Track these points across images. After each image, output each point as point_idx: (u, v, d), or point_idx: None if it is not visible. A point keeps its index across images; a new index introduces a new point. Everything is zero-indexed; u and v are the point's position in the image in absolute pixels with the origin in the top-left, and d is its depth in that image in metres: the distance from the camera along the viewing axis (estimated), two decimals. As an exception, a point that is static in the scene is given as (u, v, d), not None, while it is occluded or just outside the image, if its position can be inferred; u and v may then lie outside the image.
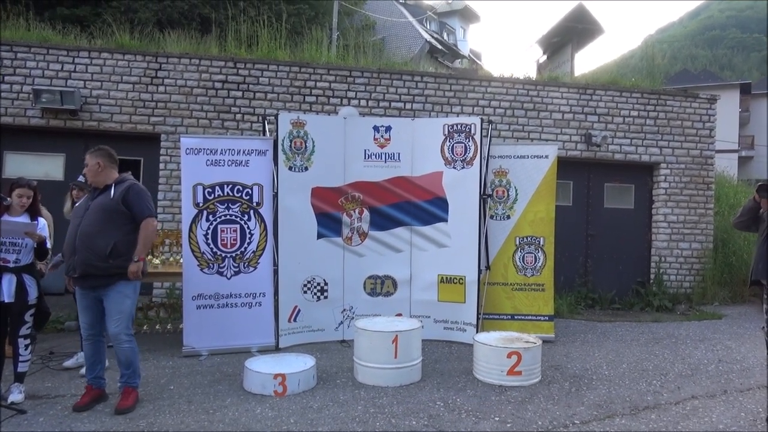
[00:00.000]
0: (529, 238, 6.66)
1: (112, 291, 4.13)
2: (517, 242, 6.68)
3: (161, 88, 7.89)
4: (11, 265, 4.26)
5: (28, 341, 4.37)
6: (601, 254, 9.23)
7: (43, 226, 4.47)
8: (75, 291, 4.35)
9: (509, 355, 4.95)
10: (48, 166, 7.85)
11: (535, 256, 6.66)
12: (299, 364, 4.85)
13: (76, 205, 4.56)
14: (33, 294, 4.37)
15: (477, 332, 6.01)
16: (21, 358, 4.33)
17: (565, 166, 8.25)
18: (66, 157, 7.94)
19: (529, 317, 6.59)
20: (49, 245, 4.64)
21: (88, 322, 4.26)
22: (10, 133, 7.71)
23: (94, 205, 4.20)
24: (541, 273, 6.63)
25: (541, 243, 6.64)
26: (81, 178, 4.90)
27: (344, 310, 6.42)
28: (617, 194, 9.42)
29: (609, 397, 4.70)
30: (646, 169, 9.44)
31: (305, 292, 6.24)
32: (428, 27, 31.16)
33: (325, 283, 6.33)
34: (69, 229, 4.25)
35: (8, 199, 4.28)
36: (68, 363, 5.21)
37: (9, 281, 4.24)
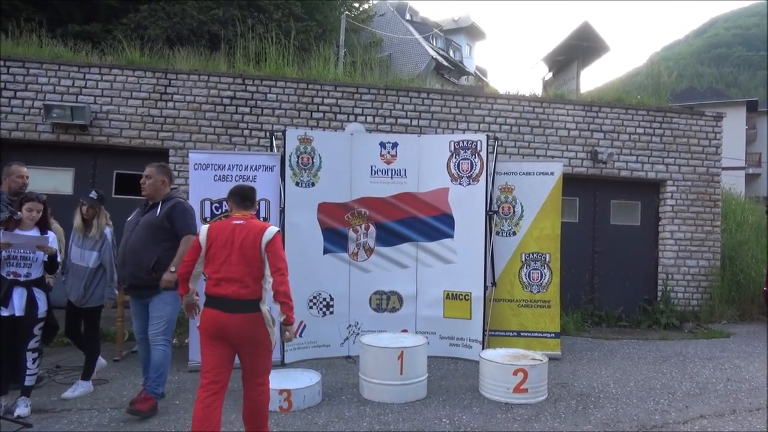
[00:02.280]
0: (535, 255, 6.65)
1: (156, 298, 4.47)
2: (523, 258, 6.67)
3: (170, 104, 7.98)
4: (22, 278, 4.30)
5: (35, 354, 4.38)
6: (608, 271, 9.20)
7: (54, 239, 4.51)
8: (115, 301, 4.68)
9: (515, 373, 4.93)
10: (57, 181, 7.93)
11: (541, 272, 6.64)
12: (305, 380, 4.84)
13: (128, 219, 4.73)
14: (43, 308, 4.41)
15: (483, 349, 5.99)
16: (28, 372, 4.33)
17: (571, 182, 8.27)
18: (75, 171, 8.03)
19: (536, 334, 6.56)
20: (59, 258, 4.68)
21: (138, 327, 4.63)
22: (21, 148, 7.80)
23: (142, 221, 4.55)
24: (547, 290, 6.61)
25: (547, 259, 6.63)
26: (93, 194, 4.91)
27: (350, 325, 6.42)
28: (623, 211, 9.41)
29: (616, 416, 4.67)
30: (653, 186, 9.43)
31: (311, 307, 6.24)
32: (434, 44, 31.40)
33: (331, 299, 6.34)
34: (121, 242, 4.64)
35: (19, 213, 4.34)
36: (66, 394, 4.85)
37: (20, 295, 4.28)
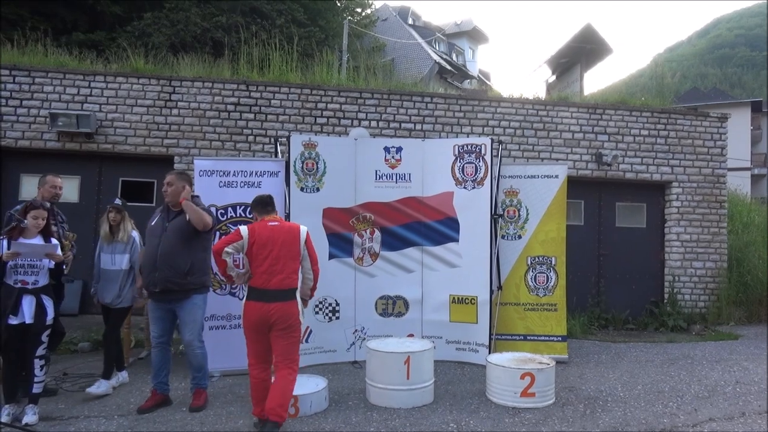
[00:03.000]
0: (540, 258, 6.64)
1: (188, 302, 4.62)
2: (529, 262, 6.66)
3: (175, 111, 8.02)
4: (30, 286, 4.32)
5: (43, 362, 4.40)
6: (614, 274, 9.16)
7: (57, 246, 4.53)
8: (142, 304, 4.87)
9: (522, 377, 4.91)
10: (64, 189, 7.93)
11: (547, 275, 6.63)
12: (311, 386, 4.84)
13: (152, 224, 4.83)
14: (50, 314, 4.42)
15: (489, 353, 5.97)
16: (36, 379, 4.35)
17: (575, 185, 8.25)
18: (81, 179, 8.07)
19: (542, 338, 6.54)
20: (65, 267, 4.73)
21: (158, 331, 4.70)
22: (27, 156, 7.86)
23: (171, 226, 4.65)
24: (553, 293, 6.59)
25: (553, 263, 6.62)
26: (118, 201, 5.28)
27: (356, 330, 6.41)
28: (629, 213, 9.38)
29: (624, 420, 4.64)
30: (658, 188, 9.41)
31: (317, 312, 6.24)
32: (437, 48, 31.46)
33: (337, 304, 6.33)
34: (147, 248, 4.76)
35: (25, 221, 4.35)
36: (92, 389, 5.09)
37: (29, 303, 4.30)
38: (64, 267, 4.76)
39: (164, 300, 4.63)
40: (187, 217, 4.62)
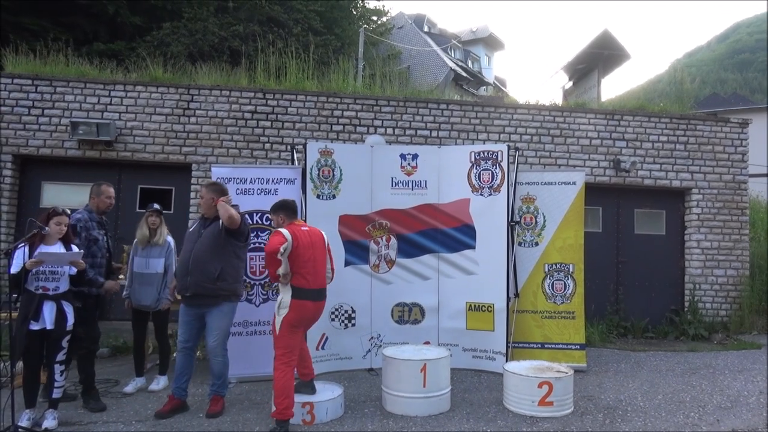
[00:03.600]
0: (558, 265, 6.58)
1: (216, 309, 4.74)
2: (546, 269, 6.60)
3: (193, 119, 8.11)
4: (51, 292, 4.37)
5: (63, 367, 4.44)
6: (633, 281, 9.04)
7: (81, 254, 4.59)
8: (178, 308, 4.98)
9: (540, 385, 4.86)
10: (83, 196, 7.90)
11: (564, 283, 6.56)
12: (327, 393, 4.84)
13: (189, 230, 5.04)
14: (71, 320, 4.46)
15: (506, 361, 5.92)
16: (56, 384, 4.39)
17: (593, 192, 8.17)
18: (101, 186, 8.16)
19: (560, 346, 6.47)
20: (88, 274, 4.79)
21: (185, 336, 4.81)
22: (48, 164, 8.00)
23: (206, 233, 4.82)
24: (571, 300, 6.53)
25: (571, 270, 6.55)
26: (156, 206, 5.53)
27: (372, 337, 6.40)
28: (648, 220, 9.26)
29: (645, 430, 4.57)
30: (678, 195, 9.28)
31: (333, 319, 6.24)
32: (453, 55, 31.47)
33: (353, 311, 6.33)
34: (182, 253, 4.90)
35: (47, 228, 4.40)
36: (128, 389, 5.39)
37: (50, 309, 4.35)
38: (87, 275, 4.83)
39: (194, 305, 4.75)
40: (220, 224, 4.77)
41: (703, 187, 9.09)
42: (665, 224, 9.29)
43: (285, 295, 4.47)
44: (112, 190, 5.28)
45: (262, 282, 5.98)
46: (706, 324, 8.70)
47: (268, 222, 6.02)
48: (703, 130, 9.19)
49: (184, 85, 8.22)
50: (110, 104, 7.98)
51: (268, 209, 5.99)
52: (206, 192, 4.90)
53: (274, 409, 4.33)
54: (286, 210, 4.70)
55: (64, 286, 4.45)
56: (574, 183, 6.65)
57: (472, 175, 6.51)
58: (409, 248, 6.54)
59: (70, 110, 7.90)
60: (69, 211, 4.61)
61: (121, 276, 5.06)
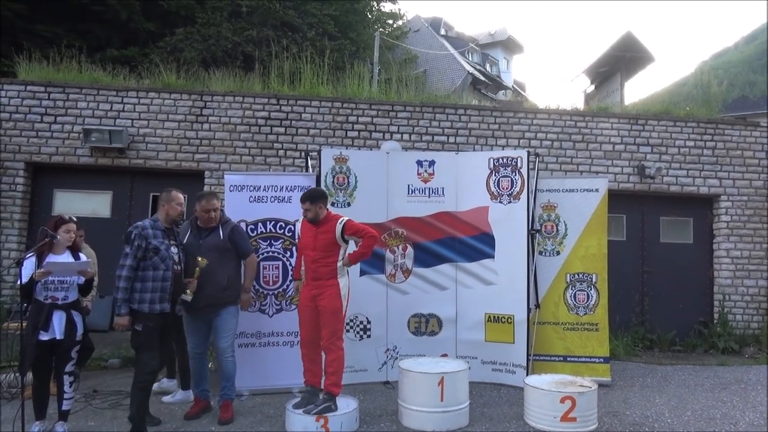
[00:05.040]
0: (580, 275, 6.36)
1: (224, 312, 4.85)
2: (568, 279, 6.38)
3: (206, 126, 8.03)
4: (60, 302, 4.30)
5: (72, 378, 4.37)
6: (659, 292, 8.75)
7: (89, 263, 4.51)
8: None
9: (563, 400, 4.68)
10: (96, 204, 8.04)
11: (587, 293, 6.34)
12: (342, 406, 4.71)
13: (186, 242, 4.90)
14: (80, 330, 4.40)
15: (527, 374, 5.73)
16: (65, 396, 4.32)
17: (617, 199, 7.92)
18: (113, 194, 8.12)
19: (583, 359, 6.24)
20: (95, 282, 4.72)
21: (195, 342, 4.92)
22: (60, 171, 7.98)
23: (207, 244, 4.84)
24: (594, 311, 6.30)
25: (594, 280, 6.33)
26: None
27: (388, 349, 6.23)
28: (674, 228, 8.97)
29: (676, 452, 4.34)
30: (705, 202, 8.98)
31: (348, 330, 6.07)
32: (471, 59, 31.24)
33: (368, 322, 6.17)
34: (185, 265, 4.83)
35: (57, 237, 4.31)
36: (166, 399, 5.42)
37: (60, 318, 4.28)
38: (95, 284, 4.74)
39: (206, 312, 4.84)
40: (221, 235, 4.88)
41: (733, 194, 8.78)
42: (692, 232, 8.99)
43: (346, 278, 4.89)
44: (182, 196, 4.89)
45: (276, 292, 5.86)
46: (736, 337, 8.38)
47: (282, 230, 5.90)
48: (731, 135, 8.89)
49: (197, 91, 8.16)
50: (123, 111, 7.94)
51: (282, 217, 5.93)
52: (216, 202, 4.94)
53: (329, 382, 4.70)
54: (326, 199, 4.94)
55: (72, 295, 4.39)
56: (596, 190, 6.43)
57: (491, 182, 6.33)
58: (426, 257, 6.36)
59: (83, 117, 7.87)
60: (75, 219, 4.51)
61: (188, 291, 4.67)
